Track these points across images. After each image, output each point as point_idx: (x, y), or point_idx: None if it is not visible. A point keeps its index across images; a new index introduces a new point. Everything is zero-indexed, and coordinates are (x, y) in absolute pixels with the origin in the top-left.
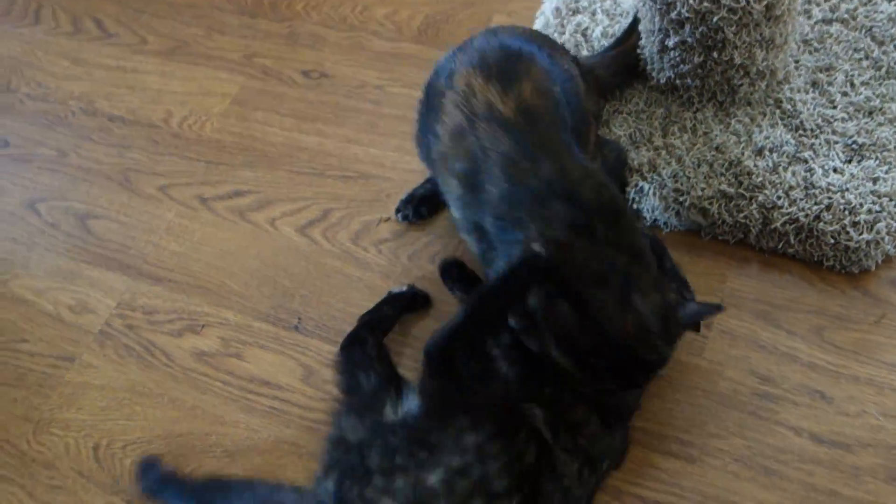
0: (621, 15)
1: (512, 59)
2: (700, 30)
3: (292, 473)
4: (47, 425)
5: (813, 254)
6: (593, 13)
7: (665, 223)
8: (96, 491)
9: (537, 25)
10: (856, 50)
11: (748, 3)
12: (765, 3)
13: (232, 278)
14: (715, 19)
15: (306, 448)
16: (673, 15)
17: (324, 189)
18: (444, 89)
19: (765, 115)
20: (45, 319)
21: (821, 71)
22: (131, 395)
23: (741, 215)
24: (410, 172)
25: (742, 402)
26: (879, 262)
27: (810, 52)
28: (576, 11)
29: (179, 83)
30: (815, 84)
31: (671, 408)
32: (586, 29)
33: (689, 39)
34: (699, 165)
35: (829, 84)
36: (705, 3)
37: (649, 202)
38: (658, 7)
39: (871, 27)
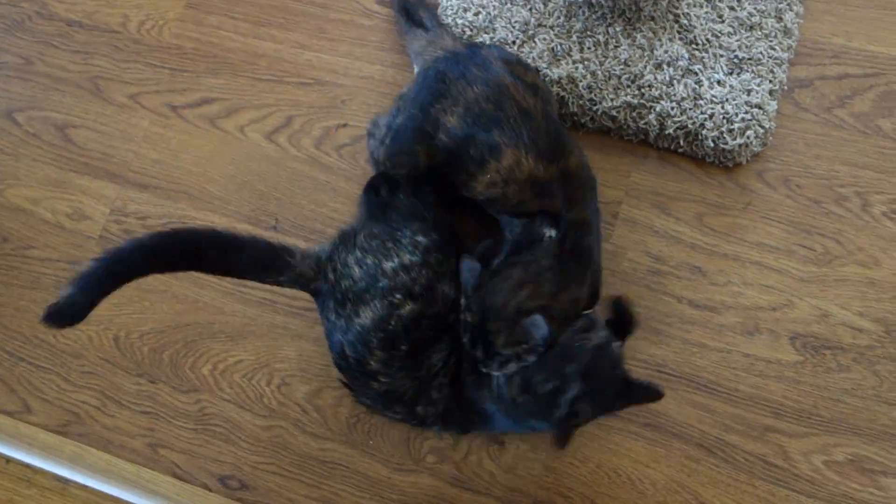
0: None
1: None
2: None
3: (287, 351)
4: None
5: (698, 153)
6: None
7: (582, 125)
8: (123, 374)
9: None
10: None
11: None
12: None
13: (211, 184)
14: None
15: (296, 330)
16: None
17: (284, 96)
18: None
19: (665, 29)
20: (46, 227)
21: None
22: (139, 292)
23: (642, 122)
24: (362, 79)
25: (639, 277)
26: (749, 158)
27: None
28: None
29: None
30: None
31: None
32: None
33: None
34: (609, 78)
35: None
36: None
37: (568, 110)
38: None
39: None
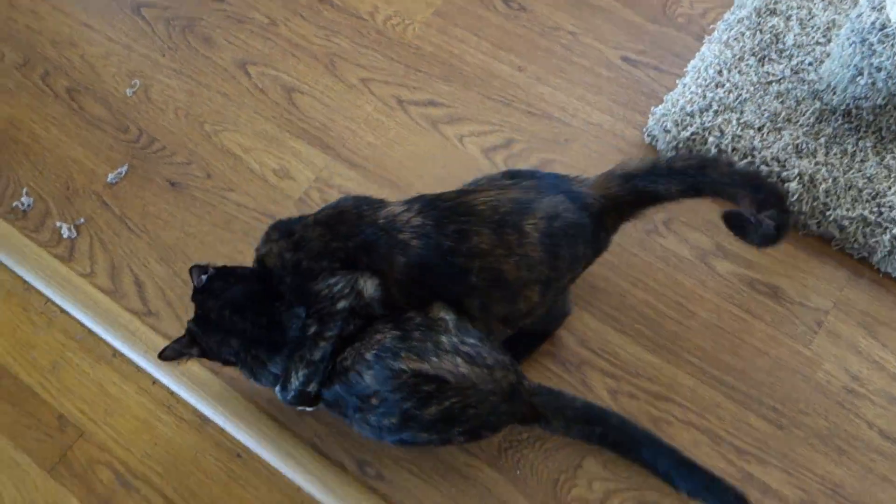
0: (814, 27)
1: None
2: (894, 80)
3: None
4: None
5: None
6: (788, 18)
7: (803, 225)
8: None
9: (731, 17)
10: None
11: None
12: None
13: (419, 181)
14: None
15: None
16: (875, 61)
17: (510, 118)
18: None
19: None
20: (250, 176)
21: None
22: None
23: (873, 240)
24: (589, 124)
25: (832, 391)
26: None
27: None
28: (773, 13)
29: None
30: None
31: (773, 382)
32: (780, 33)
33: (881, 85)
34: (849, 189)
35: None
36: None
37: (800, 208)
38: (863, 50)
39: None
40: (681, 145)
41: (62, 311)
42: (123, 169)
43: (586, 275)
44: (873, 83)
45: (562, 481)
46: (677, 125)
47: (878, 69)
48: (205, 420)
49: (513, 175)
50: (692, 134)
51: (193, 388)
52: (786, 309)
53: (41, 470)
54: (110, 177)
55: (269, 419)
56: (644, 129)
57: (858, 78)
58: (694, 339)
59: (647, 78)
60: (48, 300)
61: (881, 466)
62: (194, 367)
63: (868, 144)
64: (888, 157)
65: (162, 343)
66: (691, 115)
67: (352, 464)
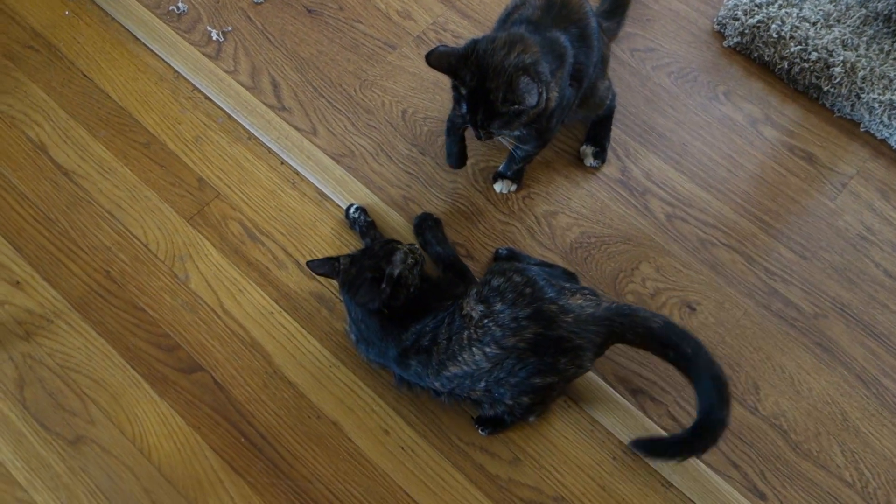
0: None
1: None
2: None
3: (539, 174)
4: (370, 85)
5: None
6: None
7: (839, 109)
8: (400, 139)
9: None
10: None
11: None
12: None
13: None
14: None
15: (550, 162)
16: None
17: None
18: None
19: None
20: (377, 12)
21: None
22: (435, 87)
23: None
24: (669, 10)
25: (849, 236)
26: None
27: None
28: None
29: None
30: None
31: (801, 224)
32: None
33: None
34: (882, 78)
35: None
36: None
37: (839, 91)
38: None
39: None
40: (746, 31)
41: (206, 97)
42: None
43: (656, 125)
44: None
45: (620, 278)
46: (746, 13)
47: None
48: (324, 197)
49: None
50: (758, 21)
51: (317, 170)
52: (817, 171)
53: (181, 218)
54: None
55: (382, 202)
56: (714, 19)
57: None
58: (740, 184)
59: None
60: (195, 88)
61: (882, 296)
62: (320, 153)
63: None
64: None
65: (293, 133)
66: (759, 6)
67: None
